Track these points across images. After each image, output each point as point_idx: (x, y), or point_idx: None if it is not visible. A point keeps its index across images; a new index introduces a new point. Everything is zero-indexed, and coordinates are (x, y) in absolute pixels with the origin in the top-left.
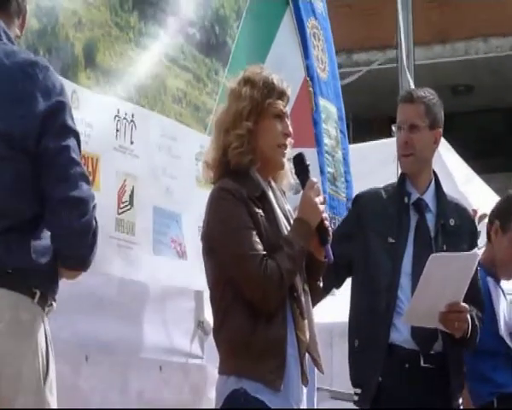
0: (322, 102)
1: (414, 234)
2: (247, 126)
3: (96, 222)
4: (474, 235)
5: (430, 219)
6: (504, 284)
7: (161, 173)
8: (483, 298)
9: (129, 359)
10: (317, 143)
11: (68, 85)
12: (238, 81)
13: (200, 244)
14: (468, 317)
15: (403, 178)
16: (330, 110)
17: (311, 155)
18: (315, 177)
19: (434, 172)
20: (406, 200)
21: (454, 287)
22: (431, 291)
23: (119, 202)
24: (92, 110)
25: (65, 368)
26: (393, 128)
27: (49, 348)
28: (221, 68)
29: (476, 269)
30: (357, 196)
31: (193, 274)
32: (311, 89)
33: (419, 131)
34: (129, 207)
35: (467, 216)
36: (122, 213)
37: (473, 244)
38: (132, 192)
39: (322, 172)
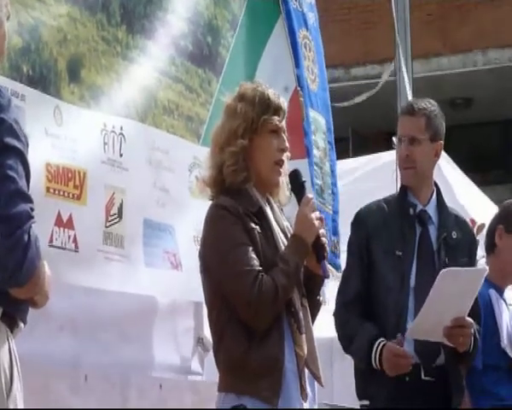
0: (311, 113)
1: (417, 247)
2: (241, 144)
3: (29, 239)
4: (474, 248)
5: (432, 231)
6: (507, 293)
7: (152, 185)
8: (481, 311)
9: (128, 377)
10: (307, 154)
11: (50, 101)
12: (234, 97)
13: (195, 254)
14: (472, 331)
15: (404, 190)
16: (319, 121)
17: (302, 167)
18: (309, 190)
19: (436, 183)
20: (411, 211)
21: (460, 302)
22: (438, 306)
23: (107, 216)
24: (77, 125)
25: (63, 388)
26: (394, 140)
27: (14, 365)
28: (214, 79)
29: None
30: (358, 212)
31: (189, 285)
32: (301, 99)
33: (420, 145)
34: (117, 220)
35: (467, 229)
36: (110, 226)
37: (472, 257)
38: (121, 205)
39: (312, 183)
